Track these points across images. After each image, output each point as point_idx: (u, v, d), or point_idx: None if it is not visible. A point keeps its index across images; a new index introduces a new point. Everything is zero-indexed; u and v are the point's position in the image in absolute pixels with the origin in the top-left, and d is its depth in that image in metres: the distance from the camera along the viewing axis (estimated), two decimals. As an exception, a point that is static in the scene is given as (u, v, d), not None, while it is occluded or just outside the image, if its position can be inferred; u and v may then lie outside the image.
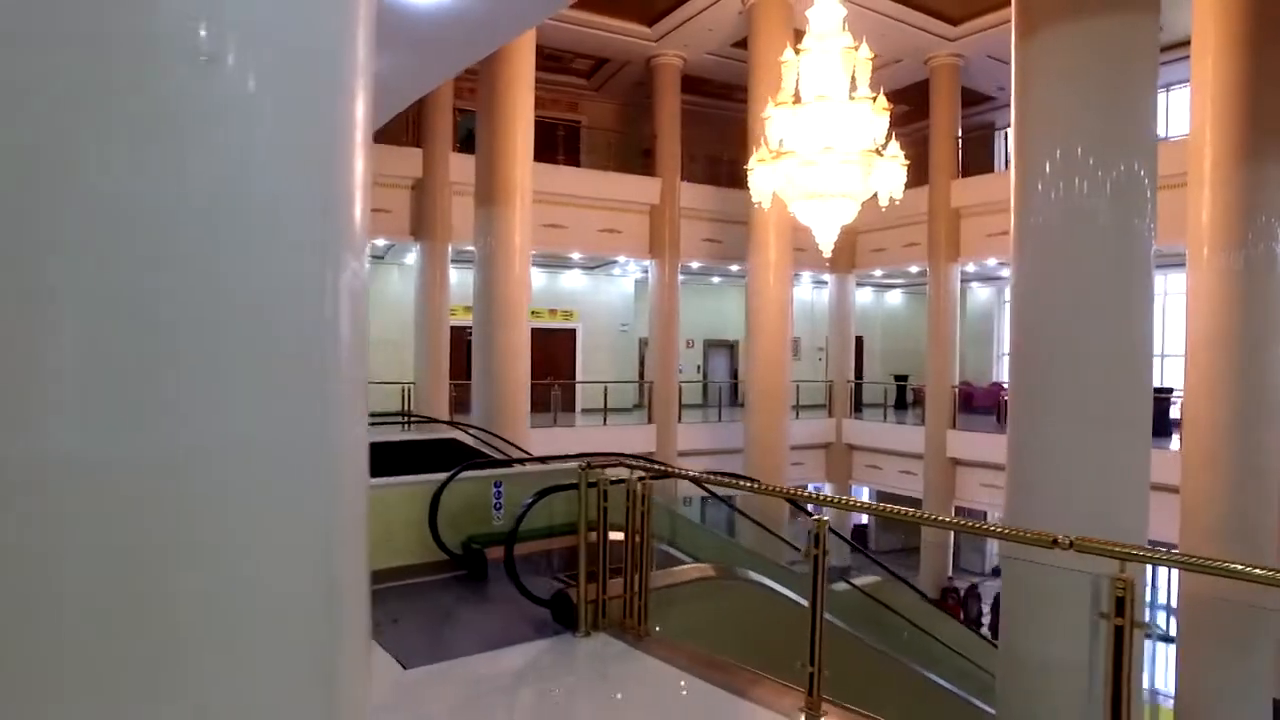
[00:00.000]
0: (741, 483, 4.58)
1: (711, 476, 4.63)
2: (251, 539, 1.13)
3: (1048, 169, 4.82)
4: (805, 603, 5.47)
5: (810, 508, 3.79)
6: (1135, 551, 2.41)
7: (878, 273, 18.37)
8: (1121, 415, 4.69)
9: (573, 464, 4.71)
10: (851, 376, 18.31)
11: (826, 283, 18.50)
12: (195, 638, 1.06)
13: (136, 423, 0.98)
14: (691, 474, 4.45)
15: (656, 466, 4.30)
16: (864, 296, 20.53)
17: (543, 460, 6.77)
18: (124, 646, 0.99)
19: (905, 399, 19.60)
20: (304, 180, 1.14)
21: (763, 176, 8.45)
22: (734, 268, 16.78)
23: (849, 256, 17.24)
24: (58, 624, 0.96)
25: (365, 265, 1.30)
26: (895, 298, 22.20)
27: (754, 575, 5.47)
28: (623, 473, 4.14)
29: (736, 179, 16.90)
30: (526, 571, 4.31)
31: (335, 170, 1.21)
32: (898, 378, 19.63)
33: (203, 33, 0.97)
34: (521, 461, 6.43)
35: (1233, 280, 8.07)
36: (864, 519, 19.46)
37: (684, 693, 3.43)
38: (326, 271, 1.19)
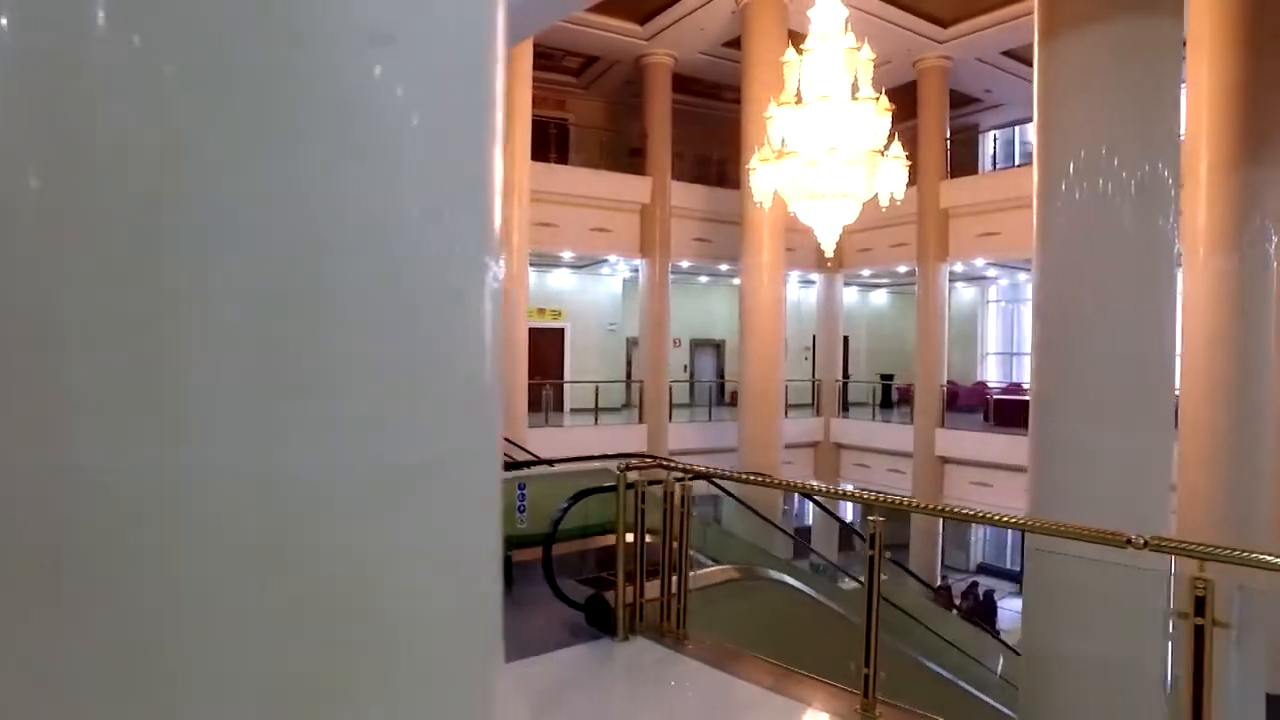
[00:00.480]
0: (785, 482, 4.55)
1: (753, 477, 4.60)
2: (415, 553, 1.11)
3: (1071, 169, 4.85)
4: (829, 602, 5.49)
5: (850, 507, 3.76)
6: (1216, 550, 2.41)
7: (865, 272, 18.48)
8: (1146, 415, 4.73)
9: (596, 465, 4.65)
10: (840, 376, 18.40)
11: (814, 282, 18.57)
12: (362, 653, 1.02)
13: (291, 439, 0.93)
14: (735, 475, 4.41)
15: (693, 468, 4.26)
16: (849, 296, 20.64)
17: (549, 463, 6.71)
18: (286, 658, 0.94)
19: (890, 398, 19.75)
20: (453, 186, 1.11)
21: (765, 176, 8.46)
22: (723, 267, 16.78)
23: (837, 256, 17.28)
24: (216, 634, 0.91)
25: (502, 271, 1.28)
26: (880, 297, 22.37)
27: (775, 574, 5.45)
28: (657, 474, 4.10)
29: (726, 178, 16.94)
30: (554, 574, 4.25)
31: (480, 175, 1.18)
32: (883, 377, 19.77)
33: (356, 39, 0.93)
34: (539, 464, 6.35)
35: (1228, 282, 8.20)
36: (847, 516, 19.56)
37: (736, 698, 3.38)
38: (475, 278, 1.17)
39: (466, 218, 1.14)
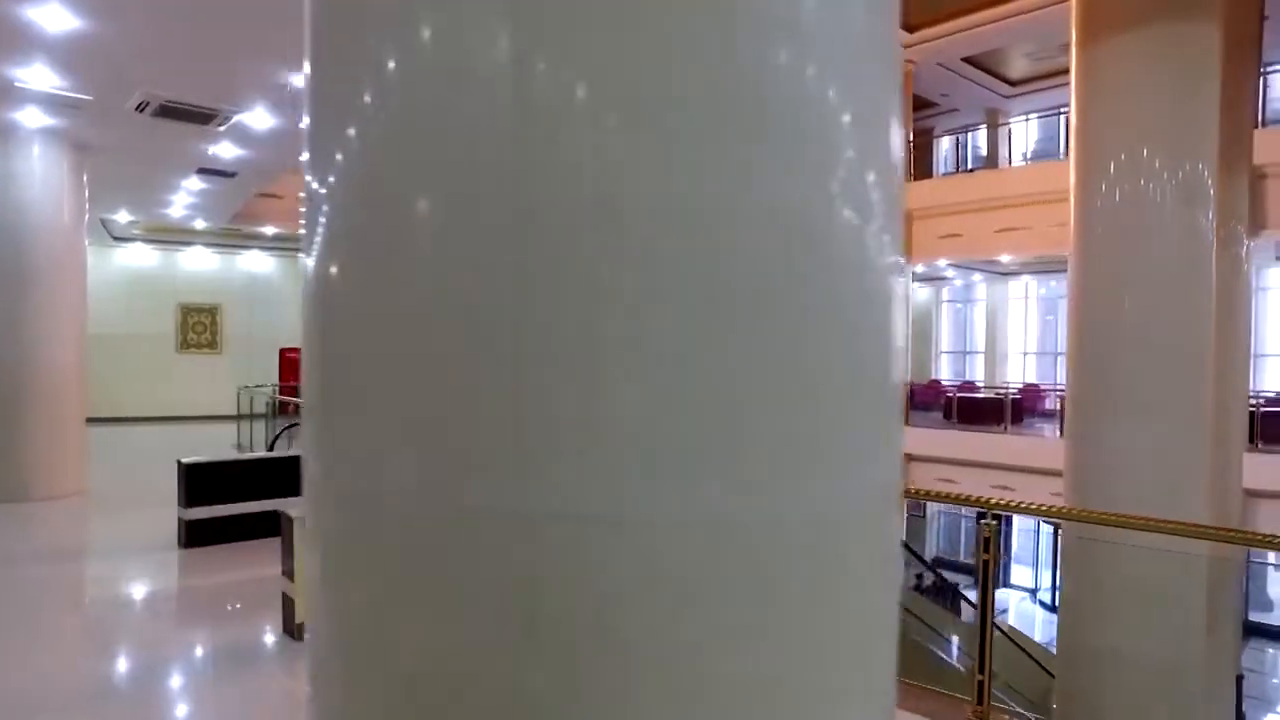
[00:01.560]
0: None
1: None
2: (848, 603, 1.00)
3: (1112, 169, 4.91)
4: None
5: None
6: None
7: (828, 272, 18.71)
8: (1185, 409, 4.82)
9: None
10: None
11: (776, 282, 18.71)
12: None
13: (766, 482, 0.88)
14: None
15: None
16: (806, 296, 20.94)
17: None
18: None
19: (848, 396, 20.04)
20: (877, 197, 1.00)
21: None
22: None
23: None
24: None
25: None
26: (835, 297, 22.73)
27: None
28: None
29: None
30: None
31: (892, 186, 1.06)
32: (841, 376, 20.05)
33: (783, 48, 0.88)
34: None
35: (1204, 283, 8.51)
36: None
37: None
38: (895, 283, 1.05)
39: (888, 233, 1.02)
